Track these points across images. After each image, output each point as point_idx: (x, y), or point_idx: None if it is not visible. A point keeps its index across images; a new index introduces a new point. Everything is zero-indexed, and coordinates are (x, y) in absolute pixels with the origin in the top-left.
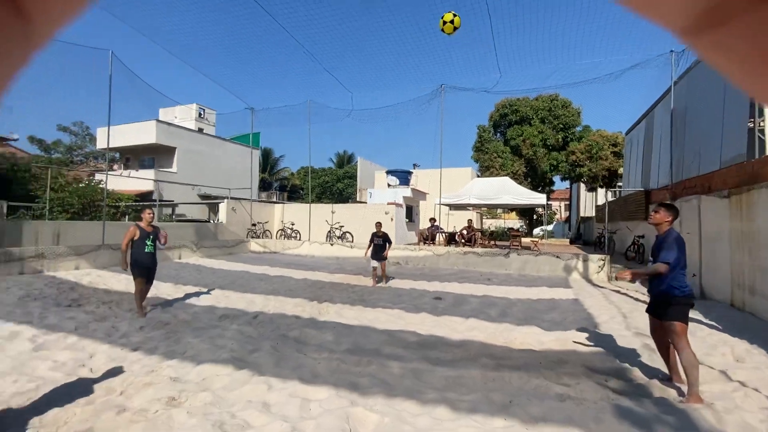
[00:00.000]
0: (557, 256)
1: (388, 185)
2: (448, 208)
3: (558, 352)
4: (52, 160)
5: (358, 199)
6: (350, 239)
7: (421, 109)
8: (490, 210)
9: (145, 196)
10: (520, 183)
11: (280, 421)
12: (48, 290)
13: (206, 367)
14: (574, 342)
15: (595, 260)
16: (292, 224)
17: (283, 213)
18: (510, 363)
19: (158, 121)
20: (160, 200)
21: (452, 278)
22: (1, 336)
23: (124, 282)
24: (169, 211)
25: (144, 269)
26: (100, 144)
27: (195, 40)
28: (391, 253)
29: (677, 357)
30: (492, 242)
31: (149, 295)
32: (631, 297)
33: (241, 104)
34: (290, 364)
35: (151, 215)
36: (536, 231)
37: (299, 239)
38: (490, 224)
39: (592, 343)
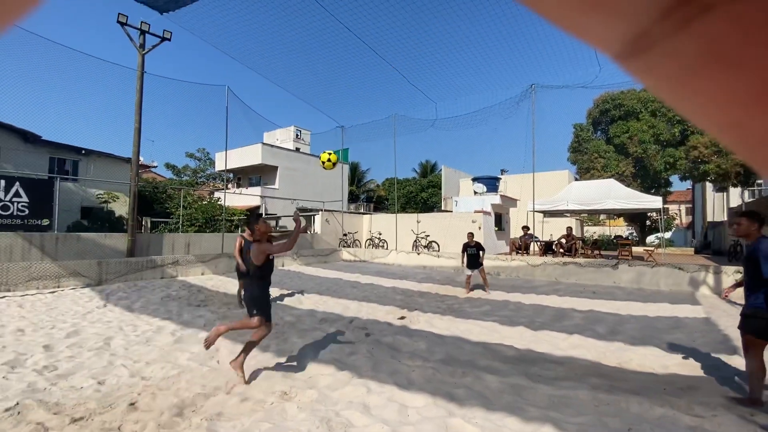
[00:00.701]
0: (680, 268)
1: (475, 192)
2: (542, 215)
3: (686, 377)
4: (182, 182)
5: (443, 208)
6: (436, 248)
7: (510, 112)
8: (592, 216)
9: (253, 211)
10: (627, 185)
11: (381, 424)
12: (182, 292)
13: (311, 367)
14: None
15: (731, 273)
16: (380, 234)
17: (371, 223)
18: (626, 386)
19: (263, 144)
20: (266, 214)
21: (550, 291)
22: (151, 329)
23: (238, 285)
24: (273, 223)
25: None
26: (218, 166)
27: (291, 68)
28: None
29: None
30: (596, 252)
31: None
32: None
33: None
34: (386, 369)
35: (266, 225)
36: (650, 239)
37: (386, 248)
38: (593, 232)
39: (730, 371)
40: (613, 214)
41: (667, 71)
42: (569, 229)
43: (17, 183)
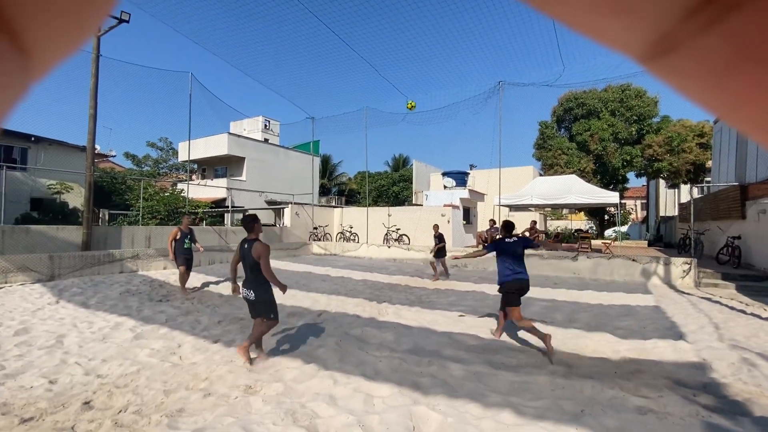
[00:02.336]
0: (633, 259)
1: (444, 187)
2: (508, 209)
3: (636, 361)
4: (143, 173)
5: (414, 202)
6: (407, 241)
7: (478, 108)
8: (555, 211)
9: (219, 203)
10: (588, 181)
11: (347, 414)
12: (143, 287)
13: (277, 360)
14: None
15: (680, 264)
16: (351, 227)
17: (342, 217)
18: (581, 371)
19: (229, 133)
20: (232, 206)
21: None
22: (108, 326)
23: (202, 280)
24: (240, 216)
25: (183, 260)
26: (182, 157)
27: (260, 57)
28: (449, 255)
29: None
30: (558, 245)
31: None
32: (726, 305)
33: (302, 114)
34: (353, 360)
35: (188, 220)
36: (608, 232)
37: (357, 242)
38: (556, 226)
39: (676, 355)
40: (575, 208)
41: (695, 71)
42: (533, 222)
43: None
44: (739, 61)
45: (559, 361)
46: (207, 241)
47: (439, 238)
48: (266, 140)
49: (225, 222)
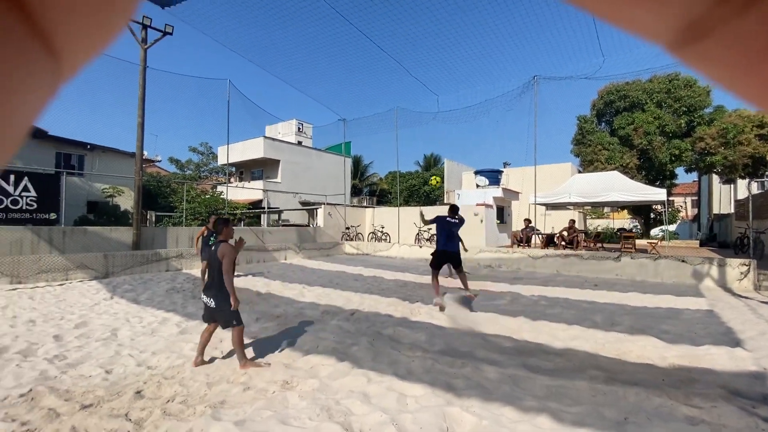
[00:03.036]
0: (683, 260)
1: (477, 186)
2: (544, 208)
3: (686, 368)
4: (186, 176)
5: (445, 201)
6: None
7: (512, 104)
8: (596, 209)
9: (256, 204)
10: (632, 177)
11: (380, 412)
12: (186, 285)
13: (312, 357)
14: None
15: (737, 265)
16: (382, 227)
17: (373, 217)
18: (624, 377)
19: (265, 137)
20: (268, 207)
21: (551, 283)
22: (156, 321)
23: (243, 280)
24: (275, 216)
25: (207, 255)
26: (221, 160)
27: (295, 63)
28: (482, 255)
29: None
30: (599, 245)
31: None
32: None
33: (334, 116)
34: (386, 359)
35: (215, 218)
36: (654, 231)
37: (389, 242)
38: (596, 225)
39: (732, 363)
40: (617, 206)
41: (729, 58)
42: (572, 221)
43: (26, 178)
44: None
45: (599, 366)
46: (245, 240)
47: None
48: (300, 143)
49: (261, 222)
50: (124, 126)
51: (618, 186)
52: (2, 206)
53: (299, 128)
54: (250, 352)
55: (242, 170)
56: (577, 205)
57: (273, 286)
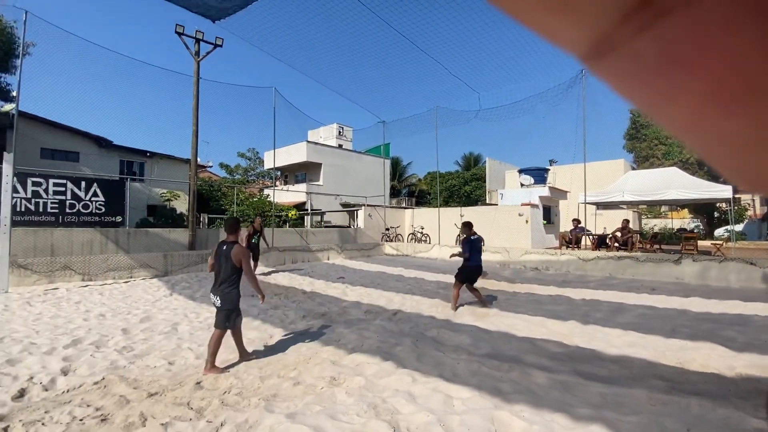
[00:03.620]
0: (751, 263)
1: (521, 185)
2: (595, 207)
3: (755, 379)
4: (235, 181)
5: (487, 202)
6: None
7: (559, 99)
8: (652, 208)
9: (299, 206)
10: (693, 173)
11: (426, 412)
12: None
13: (358, 356)
14: None
15: None
16: (422, 228)
17: (413, 218)
18: (686, 387)
19: (308, 141)
20: (311, 209)
21: (604, 286)
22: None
23: (287, 278)
24: (318, 218)
25: (252, 253)
26: (267, 165)
27: (333, 66)
28: (528, 257)
29: None
30: (656, 246)
31: (289, 284)
32: None
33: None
34: (431, 361)
35: (260, 221)
36: (719, 232)
37: (429, 243)
38: (653, 225)
39: None
40: (676, 205)
41: (629, 73)
42: (625, 221)
43: (95, 184)
44: (667, 64)
45: (659, 374)
46: (289, 241)
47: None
48: (340, 146)
49: (305, 224)
50: (178, 134)
51: (677, 183)
52: (75, 210)
53: (340, 132)
54: (299, 348)
55: (287, 174)
56: (631, 204)
57: (317, 285)
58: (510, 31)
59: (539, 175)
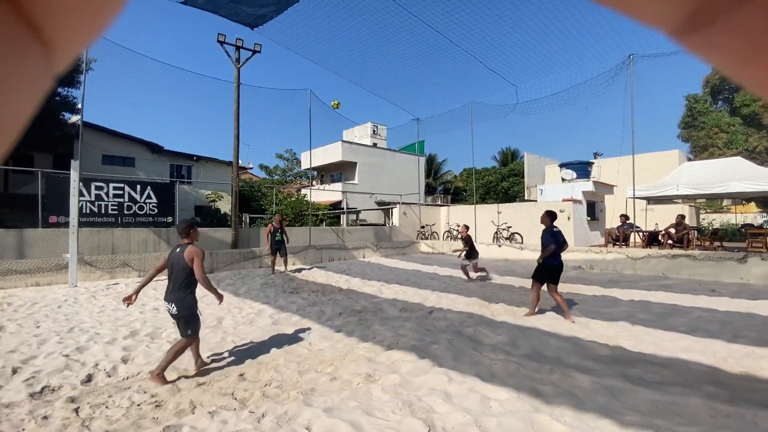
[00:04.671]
0: None
1: (563, 180)
2: (645, 202)
3: None
4: (274, 182)
5: (526, 198)
6: (519, 240)
7: (603, 89)
8: (712, 202)
9: (335, 205)
10: (760, 163)
11: (463, 413)
12: (277, 280)
13: (393, 353)
14: None
15: None
16: (458, 226)
17: (448, 215)
18: (753, 396)
19: (343, 141)
20: (347, 208)
21: (655, 286)
22: (253, 312)
23: (324, 275)
24: (353, 216)
25: (275, 249)
26: (304, 165)
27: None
28: (570, 256)
29: None
30: (716, 243)
31: (323, 281)
32: None
33: (408, 116)
34: (467, 360)
35: (279, 218)
36: None
37: None
38: (711, 220)
39: None
40: (741, 198)
41: (730, 46)
42: (680, 217)
43: (149, 187)
44: None
45: (719, 382)
46: (326, 239)
47: (466, 241)
48: (375, 144)
49: (341, 222)
50: (220, 138)
51: (741, 174)
52: (131, 211)
53: (374, 130)
54: (335, 344)
55: (323, 173)
56: (687, 198)
57: (353, 283)
58: (549, 19)
59: (582, 169)
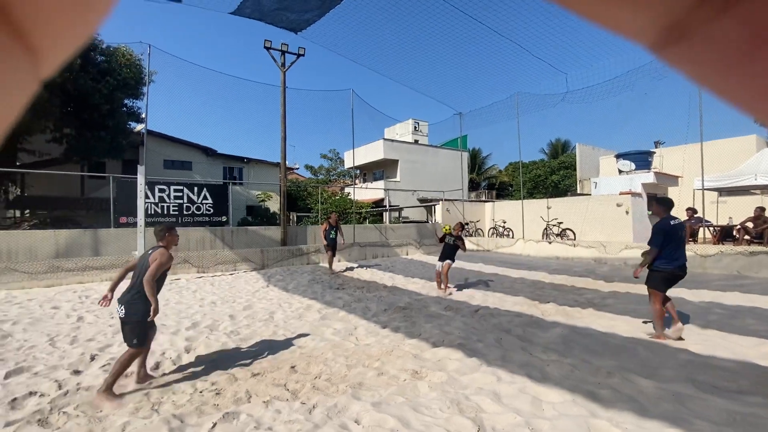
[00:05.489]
0: None
1: (620, 171)
2: (716, 194)
3: None
4: (318, 181)
5: (578, 192)
6: (572, 237)
7: (665, 71)
8: None
9: (378, 203)
10: None
11: (513, 414)
12: (324, 277)
13: (440, 350)
14: None
15: None
16: (504, 222)
17: (493, 211)
18: None
19: (384, 139)
20: (389, 206)
21: (729, 287)
22: (302, 307)
23: (369, 272)
24: (396, 214)
25: (330, 246)
26: (347, 164)
27: (407, 62)
28: (629, 253)
29: None
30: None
31: (364, 278)
32: None
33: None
34: (517, 360)
35: (336, 216)
36: None
37: (512, 237)
38: None
39: None
40: None
41: (710, 58)
42: (760, 209)
43: (204, 189)
44: (758, 46)
45: None
46: (369, 237)
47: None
48: (416, 141)
49: (384, 220)
50: (268, 139)
51: None
52: (190, 212)
53: (415, 127)
54: (381, 339)
55: (365, 172)
56: (766, 189)
57: (397, 280)
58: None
59: (642, 160)
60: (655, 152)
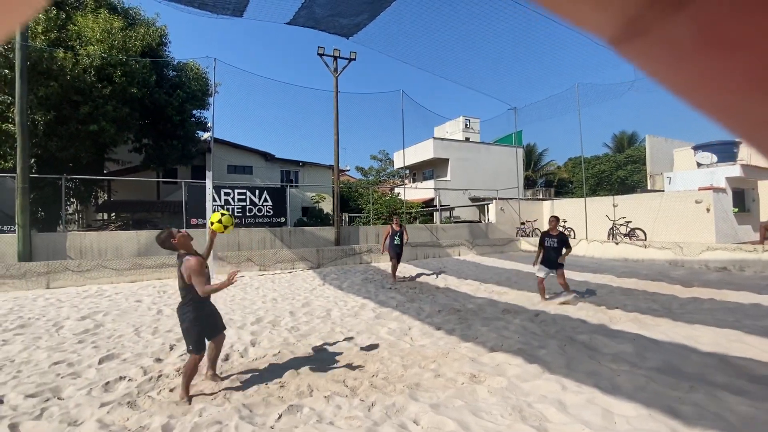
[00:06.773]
0: None
1: (698, 164)
2: None
3: None
4: (369, 182)
5: (649, 188)
6: (642, 237)
7: None
8: None
9: (428, 203)
10: None
11: (582, 425)
12: (376, 276)
13: (498, 355)
14: None
15: None
16: (564, 222)
17: (552, 210)
18: None
19: (434, 138)
20: (440, 206)
21: None
22: (357, 305)
23: (416, 273)
24: (447, 214)
25: (395, 252)
26: (397, 164)
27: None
28: (711, 255)
29: None
30: None
31: (424, 280)
32: None
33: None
34: (583, 369)
35: (398, 220)
36: None
37: (574, 237)
38: None
39: None
40: None
41: (661, 55)
42: None
43: (264, 192)
44: (704, 45)
45: None
46: (420, 237)
47: (560, 239)
48: (467, 139)
49: (434, 220)
50: (321, 142)
51: None
52: (252, 213)
53: (466, 125)
54: (436, 341)
55: (415, 172)
56: None
57: (450, 281)
58: None
59: (725, 151)
60: (741, 142)
